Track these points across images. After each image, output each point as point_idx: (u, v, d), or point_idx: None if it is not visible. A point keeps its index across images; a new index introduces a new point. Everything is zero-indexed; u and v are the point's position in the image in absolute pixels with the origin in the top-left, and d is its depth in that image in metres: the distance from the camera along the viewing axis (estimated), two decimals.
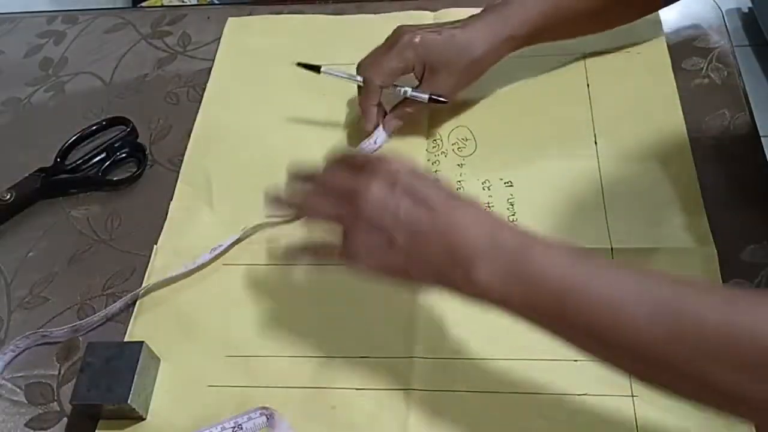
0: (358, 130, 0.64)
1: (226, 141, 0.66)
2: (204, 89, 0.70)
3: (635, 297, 0.36)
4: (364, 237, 0.42)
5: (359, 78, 0.60)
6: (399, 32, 0.59)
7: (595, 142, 0.60)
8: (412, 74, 0.59)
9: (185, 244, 0.59)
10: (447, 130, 0.63)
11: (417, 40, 0.57)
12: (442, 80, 0.59)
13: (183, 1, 1.59)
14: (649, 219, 0.55)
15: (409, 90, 0.59)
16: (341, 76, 0.61)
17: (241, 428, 0.48)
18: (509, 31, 0.58)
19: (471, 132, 0.63)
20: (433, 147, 0.62)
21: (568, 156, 0.60)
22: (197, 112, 0.68)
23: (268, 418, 0.48)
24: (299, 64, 0.62)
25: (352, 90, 0.67)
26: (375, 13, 0.74)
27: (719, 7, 0.68)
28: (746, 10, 1.70)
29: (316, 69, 0.62)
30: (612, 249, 0.54)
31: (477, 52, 0.58)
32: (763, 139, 0.59)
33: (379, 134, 0.62)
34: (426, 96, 0.59)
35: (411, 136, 0.63)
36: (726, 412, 0.37)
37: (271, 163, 0.63)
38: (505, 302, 0.40)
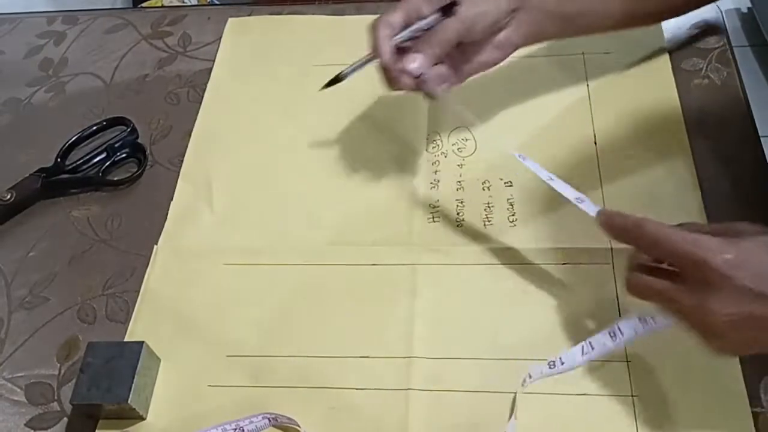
0: (358, 130, 0.64)
1: (226, 141, 0.66)
2: (204, 89, 0.70)
3: None
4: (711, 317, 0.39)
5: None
6: None
7: (595, 143, 0.60)
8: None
9: (185, 244, 0.59)
10: (447, 130, 0.63)
11: None
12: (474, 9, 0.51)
13: (183, 2, 1.59)
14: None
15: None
16: (360, 65, 0.55)
17: (243, 431, 0.48)
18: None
19: (471, 132, 0.63)
20: (433, 147, 0.62)
21: (567, 156, 0.60)
22: (197, 113, 0.68)
23: (270, 421, 0.48)
24: (326, 86, 0.57)
25: (352, 90, 0.67)
26: (375, 14, 0.73)
27: (719, 8, 0.67)
28: (746, 11, 1.70)
29: (338, 80, 0.56)
30: (612, 249, 0.54)
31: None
32: (763, 139, 0.59)
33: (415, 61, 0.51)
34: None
35: (411, 137, 0.63)
36: None
37: (271, 163, 0.64)
38: None
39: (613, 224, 0.44)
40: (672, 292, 0.40)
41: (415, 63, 0.50)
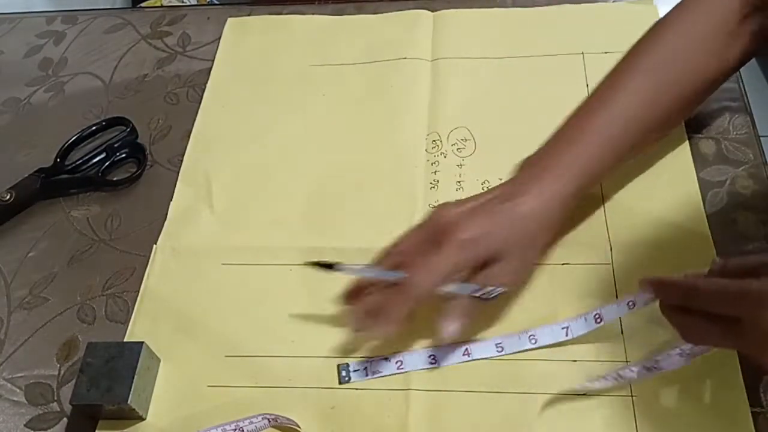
0: (357, 130, 0.64)
1: (226, 141, 0.66)
2: (204, 89, 0.70)
3: None
4: None
5: (398, 275, 0.47)
6: (439, 222, 0.48)
7: None
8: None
9: (185, 244, 0.59)
10: (446, 130, 0.63)
11: (468, 236, 0.47)
12: (506, 267, 0.48)
13: (182, 2, 1.59)
14: (648, 219, 0.55)
15: (472, 287, 0.48)
16: (365, 273, 0.49)
17: (242, 431, 0.48)
18: (575, 184, 0.50)
19: (470, 132, 0.63)
20: (433, 148, 0.62)
21: None
22: (197, 112, 0.68)
23: (270, 421, 0.48)
24: (313, 264, 0.49)
25: (352, 90, 0.67)
26: (374, 13, 0.74)
27: None
28: None
29: (329, 267, 0.48)
30: (611, 249, 0.54)
31: (545, 223, 0.49)
32: (763, 139, 0.59)
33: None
34: (501, 290, 0.48)
35: (410, 137, 0.63)
36: None
37: (271, 164, 0.64)
38: None
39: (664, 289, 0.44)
40: (730, 339, 0.40)
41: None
